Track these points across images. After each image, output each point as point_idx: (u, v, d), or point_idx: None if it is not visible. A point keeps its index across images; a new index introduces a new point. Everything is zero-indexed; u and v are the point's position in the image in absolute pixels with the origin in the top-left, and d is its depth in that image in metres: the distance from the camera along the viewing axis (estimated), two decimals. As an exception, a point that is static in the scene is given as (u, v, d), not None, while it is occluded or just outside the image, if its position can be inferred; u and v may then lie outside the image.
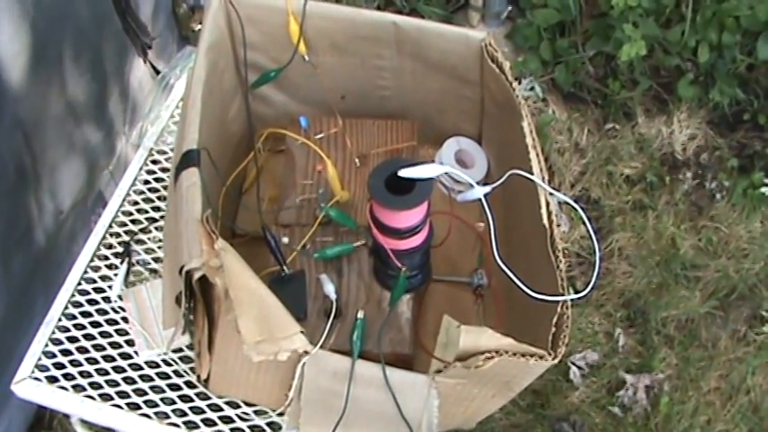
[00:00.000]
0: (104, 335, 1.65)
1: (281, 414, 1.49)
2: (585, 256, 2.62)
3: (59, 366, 1.60)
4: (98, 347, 1.64)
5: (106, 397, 1.57)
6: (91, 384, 1.58)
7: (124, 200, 1.85)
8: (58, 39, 1.97)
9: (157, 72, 2.56)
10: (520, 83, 2.95)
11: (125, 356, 1.63)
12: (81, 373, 1.60)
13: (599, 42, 2.88)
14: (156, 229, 1.82)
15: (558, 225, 1.45)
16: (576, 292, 1.39)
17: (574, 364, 2.40)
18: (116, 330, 1.66)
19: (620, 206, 2.74)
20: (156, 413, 1.55)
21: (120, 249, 1.78)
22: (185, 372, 1.61)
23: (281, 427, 1.52)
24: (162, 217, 1.82)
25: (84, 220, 2.20)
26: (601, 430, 2.30)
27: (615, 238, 2.65)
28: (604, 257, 2.61)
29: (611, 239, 2.65)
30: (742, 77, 2.86)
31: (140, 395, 1.57)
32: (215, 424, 1.53)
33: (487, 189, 1.50)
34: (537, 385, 2.32)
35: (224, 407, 1.55)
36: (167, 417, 1.55)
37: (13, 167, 1.87)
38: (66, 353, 1.62)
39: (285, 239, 1.67)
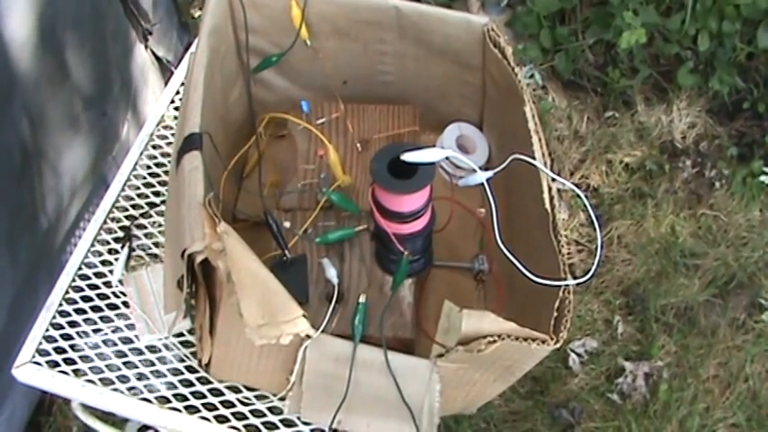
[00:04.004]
0: (105, 319, 1.65)
1: (282, 398, 1.48)
2: (585, 243, 2.62)
3: (60, 351, 1.60)
4: (99, 332, 1.63)
5: (107, 381, 1.57)
6: (92, 369, 1.58)
7: (125, 184, 1.84)
8: (64, 25, 1.97)
9: (158, 58, 2.56)
10: (520, 70, 2.95)
11: (126, 341, 1.62)
12: (82, 358, 1.59)
13: (599, 30, 2.87)
14: (157, 213, 1.81)
15: (559, 211, 1.45)
16: (576, 279, 1.39)
17: (573, 351, 2.40)
18: (117, 315, 1.66)
19: (620, 194, 2.74)
20: (156, 398, 1.55)
21: (120, 234, 1.77)
22: (186, 356, 1.61)
23: (282, 412, 1.52)
24: (163, 201, 1.82)
25: (87, 207, 2.20)
26: (600, 417, 2.30)
27: (614, 226, 2.65)
28: (604, 245, 2.61)
29: (610, 227, 2.65)
30: (742, 66, 2.86)
31: (141, 379, 1.57)
32: (216, 408, 1.53)
33: (490, 174, 1.50)
34: (536, 372, 2.33)
35: (225, 391, 1.55)
36: (168, 401, 1.55)
37: (19, 154, 1.87)
38: (66, 337, 1.62)
39: (287, 224, 1.67)
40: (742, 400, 2.35)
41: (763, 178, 2.76)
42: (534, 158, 1.48)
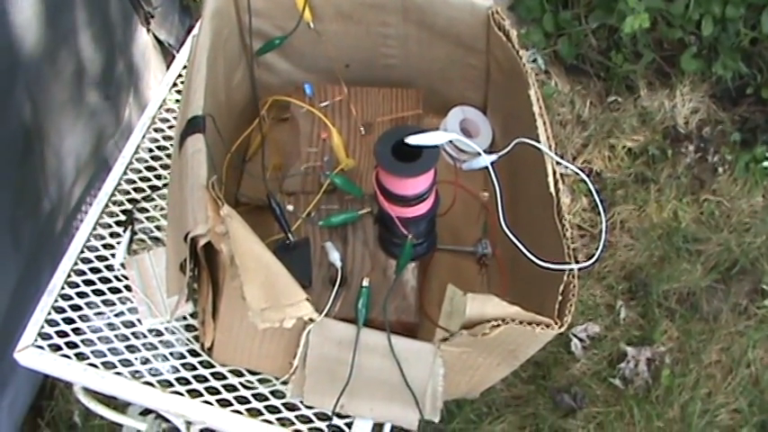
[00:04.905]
0: (107, 303, 1.65)
1: (285, 382, 1.48)
2: (587, 228, 2.62)
3: (62, 334, 1.59)
4: (101, 315, 1.63)
5: (109, 365, 1.56)
6: (94, 353, 1.58)
7: (127, 168, 1.83)
8: (66, 7, 1.97)
9: (159, 42, 2.55)
10: (524, 54, 2.95)
11: (128, 325, 1.62)
12: (84, 342, 1.59)
13: (602, 15, 2.86)
14: (159, 196, 1.81)
15: (563, 195, 1.45)
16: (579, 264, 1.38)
17: (575, 336, 2.40)
18: (119, 299, 1.66)
19: (622, 179, 2.74)
20: (159, 381, 1.54)
21: (122, 217, 1.77)
22: (189, 340, 1.60)
23: (285, 396, 1.51)
24: (165, 185, 1.81)
25: (89, 190, 2.20)
26: (602, 402, 2.30)
27: (617, 211, 2.65)
28: (608, 229, 2.61)
29: (612, 212, 2.65)
30: (745, 51, 2.85)
31: (143, 363, 1.57)
32: (219, 392, 1.53)
33: (494, 157, 1.50)
34: (538, 357, 2.32)
35: (228, 375, 1.55)
36: (170, 385, 1.54)
37: (22, 137, 1.87)
38: (68, 321, 1.62)
39: (290, 207, 1.67)
40: (744, 386, 2.35)
41: (765, 164, 2.75)
42: (539, 142, 1.48)
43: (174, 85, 1.98)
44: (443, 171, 1.76)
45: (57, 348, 1.58)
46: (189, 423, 1.62)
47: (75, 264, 1.69)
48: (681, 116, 2.88)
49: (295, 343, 1.39)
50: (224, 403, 1.52)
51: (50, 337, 1.59)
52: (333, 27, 1.79)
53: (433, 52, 1.81)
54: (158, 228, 1.77)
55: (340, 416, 1.48)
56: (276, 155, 1.80)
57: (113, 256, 1.71)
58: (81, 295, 1.65)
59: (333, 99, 1.82)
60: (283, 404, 1.52)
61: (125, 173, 1.83)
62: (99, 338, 1.60)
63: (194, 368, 1.56)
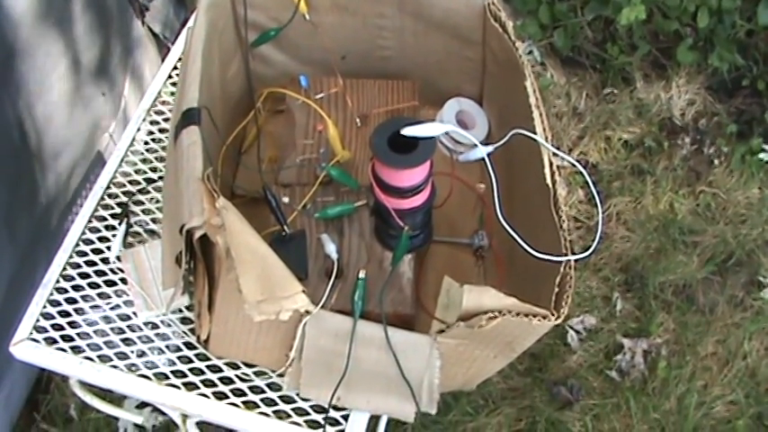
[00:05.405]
0: (103, 296, 1.65)
1: (281, 375, 1.48)
2: (583, 220, 2.61)
3: (58, 328, 1.59)
4: (97, 309, 1.63)
5: (105, 358, 1.56)
6: (89, 346, 1.57)
7: (122, 161, 1.83)
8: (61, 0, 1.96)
9: (154, 34, 2.54)
10: (520, 45, 2.94)
11: (124, 318, 1.62)
12: (79, 335, 1.59)
13: (598, 6, 2.86)
14: (155, 189, 1.80)
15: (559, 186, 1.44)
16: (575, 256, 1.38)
17: (572, 328, 2.40)
18: (114, 292, 1.65)
19: (619, 171, 2.73)
20: (155, 374, 1.54)
21: (118, 210, 1.76)
22: (185, 333, 1.60)
23: (281, 388, 1.51)
24: (160, 177, 1.81)
25: (85, 183, 2.19)
26: (598, 394, 2.30)
27: (613, 203, 2.64)
28: (604, 221, 2.61)
29: (609, 204, 2.64)
30: (741, 43, 2.84)
31: (139, 356, 1.56)
32: (215, 385, 1.53)
33: (491, 148, 1.50)
34: (535, 349, 2.32)
35: (224, 368, 1.55)
36: (166, 378, 1.54)
37: (17, 130, 1.86)
38: (64, 314, 1.61)
39: (285, 199, 1.67)
40: (740, 378, 2.34)
41: (762, 155, 2.75)
42: (535, 133, 1.47)
43: (170, 77, 1.97)
44: (439, 163, 1.76)
45: (52, 342, 1.58)
46: (185, 416, 1.62)
47: (71, 257, 1.69)
48: (677, 108, 2.87)
49: (291, 335, 1.39)
50: (220, 396, 1.52)
51: (46, 331, 1.59)
52: (328, 18, 1.79)
53: (429, 44, 1.80)
54: (154, 220, 1.76)
55: (336, 408, 1.47)
56: (272, 147, 1.80)
57: (109, 248, 1.70)
58: (76, 288, 1.65)
59: (328, 91, 1.82)
60: (280, 397, 1.52)
61: (120, 165, 1.83)
62: (95, 331, 1.59)
63: (190, 361, 1.56)
